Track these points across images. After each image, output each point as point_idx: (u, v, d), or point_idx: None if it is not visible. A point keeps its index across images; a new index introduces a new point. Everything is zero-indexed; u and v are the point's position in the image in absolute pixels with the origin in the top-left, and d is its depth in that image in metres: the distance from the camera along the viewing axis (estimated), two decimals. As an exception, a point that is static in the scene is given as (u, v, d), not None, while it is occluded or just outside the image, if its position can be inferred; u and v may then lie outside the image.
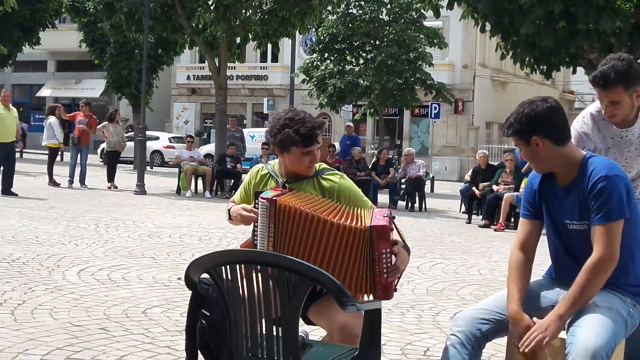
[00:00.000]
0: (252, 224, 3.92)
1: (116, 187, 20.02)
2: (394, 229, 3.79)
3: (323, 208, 3.75)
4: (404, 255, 3.78)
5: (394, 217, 3.82)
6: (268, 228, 3.72)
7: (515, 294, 3.74)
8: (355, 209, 3.86)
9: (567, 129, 3.81)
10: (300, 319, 3.91)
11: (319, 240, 3.68)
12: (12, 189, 16.40)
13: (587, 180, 3.68)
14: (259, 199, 3.78)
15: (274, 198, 3.74)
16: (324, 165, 4.20)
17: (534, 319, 3.70)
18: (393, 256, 3.72)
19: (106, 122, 21.06)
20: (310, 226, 3.68)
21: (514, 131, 3.79)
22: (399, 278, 3.81)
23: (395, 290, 3.80)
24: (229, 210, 4.11)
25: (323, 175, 4.08)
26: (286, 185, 4.02)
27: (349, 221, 3.68)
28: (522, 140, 3.78)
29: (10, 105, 17.14)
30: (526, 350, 3.55)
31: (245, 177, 4.29)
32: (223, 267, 3.25)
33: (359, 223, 3.66)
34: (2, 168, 16.66)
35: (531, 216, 3.94)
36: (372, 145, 37.77)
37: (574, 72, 21.51)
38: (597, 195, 3.63)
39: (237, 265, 3.24)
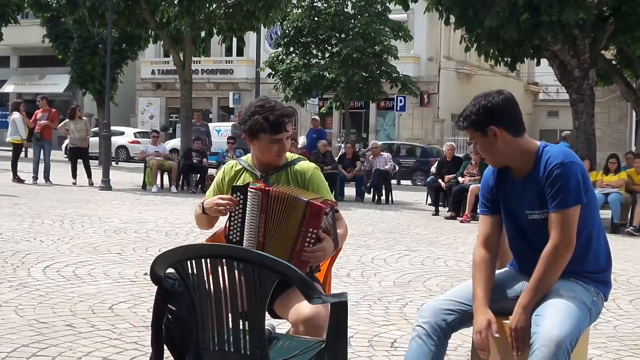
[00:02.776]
0: (227, 218, 3.91)
1: (74, 184, 19.84)
2: (331, 218, 3.80)
3: (300, 193, 3.81)
4: (328, 245, 3.80)
5: (337, 210, 3.85)
6: (259, 218, 3.74)
7: (480, 291, 3.77)
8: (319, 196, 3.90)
9: (522, 120, 3.84)
10: (267, 312, 3.92)
11: (287, 219, 3.76)
12: None
13: (543, 169, 3.71)
14: (249, 189, 3.79)
15: (267, 188, 3.76)
16: (298, 156, 4.22)
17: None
18: (318, 242, 3.74)
19: (67, 120, 20.89)
20: (290, 209, 3.74)
21: (471, 123, 3.80)
22: (315, 266, 3.84)
23: (313, 271, 3.84)
24: (202, 205, 4.07)
25: (297, 164, 4.10)
26: (265, 176, 4.03)
27: (299, 195, 3.76)
28: (479, 131, 3.79)
29: None
30: (520, 354, 3.58)
31: (218, 174, 4.28)
32: (189, 262, 3.24)
33: (303, 198, 3.73)
34: None
35: (490, 212, 3.97)
36: (338, 139, 37.81)
37: (538, 63, 21.62)
38: (553, 182, 3.66)
39: (203, 260, 3.23)
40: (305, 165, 4.11)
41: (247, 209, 3.78)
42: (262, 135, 3.95)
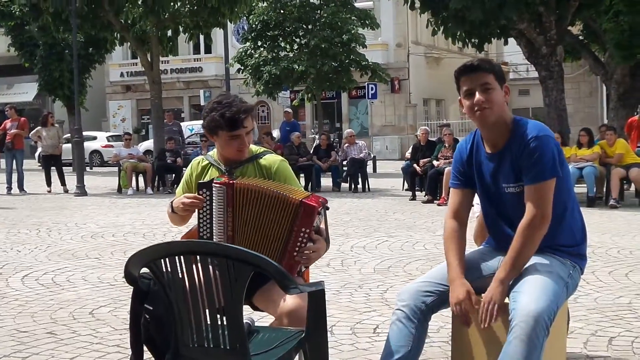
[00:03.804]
0: (197, 215, 3.89)
1: (49, 191, 19.73)
2: (323, 217, 3.79)
3: (269, 186, 3.78)
4: (321, 245, 3.79)
5: (327, 208, 3.82)
6: (226, 213, 3.73)
7: (454, 261, 3.79)
8: (295, 188, 3.89)
9: None
10: (248, 306, 3.92)
11: (263, 214, 3.72)
12: None
13: (519, 142, 3.72)
14: (213, 184, 3.77)
15: (230, 181, 3.75)
16: (265, 149, 4.20)
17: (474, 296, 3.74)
18: (310, 242, 3.72)
19: (39, 127, 20.75)
20: (260, 202, 3.71)
21: (496, 71, 3.78)
22: (305, 266, 3.82)
23: (299, 274, 3.81)
24: (171, 205, 4.06)
25: (263, 157, 4.08)
26: (232, 171, 4.01)
27: (285, 193, 3.72)
28: (498, 81, 3.77)
29: None
30: (486, 326, 3.59)
31: (186, 171, 4.26)
32: (162, 260, 3.22)
33: (293, 196, 3.69)
34: None
35: (461, 185, 3.99)
36: (312, 130, 37.80)
37: (506, 43, 21.75)
38: (529, 155, 3.67)
39: (177, 257, 3.21)
40: (272, 158, 4.09)
41: (214, 204, 3.76)
42: (220, 132, 3.93)
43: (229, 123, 3.89)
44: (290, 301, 3.67)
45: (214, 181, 3.79)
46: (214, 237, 3.77)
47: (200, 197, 3.81)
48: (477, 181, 3.93)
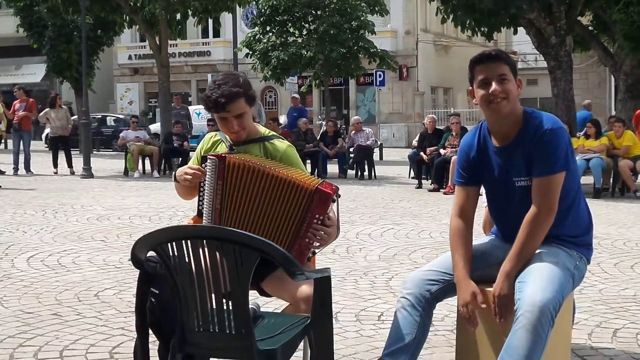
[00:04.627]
0: (198, 189, 3.88)
1: (55, 173, 19.76)
2: (336, 204, 3.78)
3: (272, 166, 3.75)
4: (332, 231, 3.78)
5: (339, 195, 3.81)
6: (216, 185, 3.72)
7: (460, 260, 3.78)
8: (304, 173, 3.87)
9: None
10: (255, 291, 3.92)
11: (265, 195, 3.69)
12: None
13: (532, 134, 3.70)
14: (208, 156, 3.78)
15: (222, 155, 3.75)
16: (274, 133, 4.19)
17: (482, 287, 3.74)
18: (322, 228, 3.71)
19: (47, 109, 20.77)
20: (259, 182, 3.69)
21: (510, 63, 3.76)
22: (313, 252, 3.81)
23: (308, 260, 3.81)
24: (174, 175, 4.06)
25: (270, 141, 4.07)
26: (233, 147, 4.00)
27: (298, 178, 3.69)
28: (513, 74, 3.75)
29: None
30: (502, 321, 3.59)
31: (199, 145, 4.26)
32: (169, 244, 3.22)
33: (308, 182, 3.67)
34: None
35: (467, 183, 3.94)
36: (319, 117, 37.75)
37: (515, 32, 21.64)
38: (541, 148, 3.65)
39: (183, 241, 3.21)
40: (279, 143, 4.06)
41: (207, 176, 3.76)
42: (212, 111, 3.96)
43: (212, 105, 3.90)
44: (306, 287, 3.66)
45: (209, 154, 3.80)
46: (204, 208, 3.77)
47: (203, 169, 3.82)
48: (486, 174, 3.90)
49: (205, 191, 3.77)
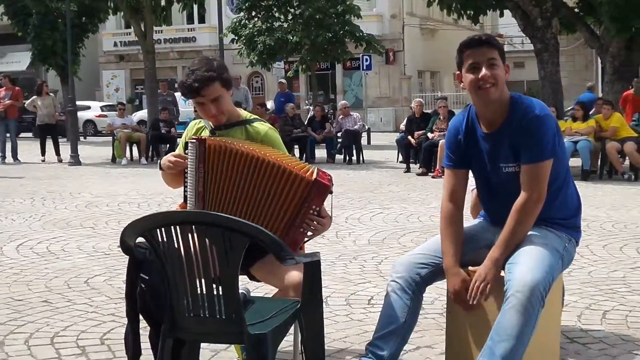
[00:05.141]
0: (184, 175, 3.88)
1: (43, 161, 19.69)
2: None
3: (259, 149, 3.72)
4: (327, 222, 3.79)
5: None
6: (197, 168, 3.71)
7: (450, 248, 3.78)
8: (293, 158, 3.86)
9: None
10: (245, 276, 3.92)
11: (254, 181, 3.66)
12: None
13: (518, 120, 3.69)
14: (189, 141, 3.78)
15: (202, 138, 3.76)
16: (256, 116, 4.18)
17: (470, 268, 3.76)
18: (317, 219, 3.71)
19: (34, 96, 20.68)
20: (244, 166, 3.66)
21: (499, 47, 3.74)
22: (305, 240, 3.81)
23: (301, 249, 3.80)
24: (159, 164, 4.06)
25: (252, 124, 4.06)
26: (215, 132, 4.00)
27: (292, 165, 3.67)
28: (502, 58, 3.74)
29: None
30: (474, 302, 3.60)
31: (184, 133, 4.26)
32: (158, 230, 3.21)
33: (306, 173, 3.64)
34: None
35: (455, 166, 3.93)
36: (306, 101, 37.69)
37: (501, 15, 21.65)
38: (529, 135, 3.64)
39: (172, 227, 3.21)
40: (260, 126, 4.05)
41: (189, 160, 3.76)
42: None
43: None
44: (296, 274, 3.66)
45: (189, 138, 3.80)
46: (188, 192, 3.77)
47: (185, 156, 3.81)
48: (473, 159, 3.89)
49: (188, 175, 3.76)
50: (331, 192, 3.71)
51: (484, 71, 3.66)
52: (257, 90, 43.40)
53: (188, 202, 3.77)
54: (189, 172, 3.76)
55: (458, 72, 3.82)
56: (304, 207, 3.64)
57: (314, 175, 3.64)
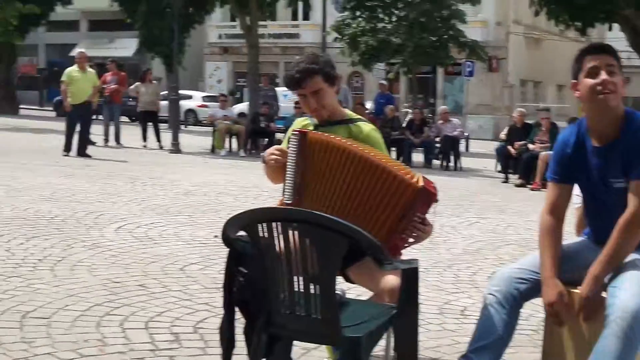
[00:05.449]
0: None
1: (144, 146, 20.09)
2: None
3: (363, 149, 3.67)
4: (429, 230, 3.75)
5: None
6: (297, 160, 3.71)
7: (548, 261, 3.69)
8: (397, 162, 3.83)
9: None
10: (340, 277, 3.91)
11: (354, 178, 3.62)
12: (86, 151, 16.51)
13: (633, 134, 3.58)
14: (292, 134, 3.80)
15: (304, 130, 3.78)
16: (360, 116, 4.17)
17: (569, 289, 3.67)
18: (421, 227, 3.66)
19: (138, 83, 21.13)
20: (345, 161, 3.62)
21: (619, 57, 3.66)
22: (405, 246, 3.77)
23: (400, 255, 3.76)
24: (263, 157, 4.08)
25: (356, 123, 4.05)
26: (319, 128, 4.01)
27: (397, 169, 3.62)
28: (620, 68, 3.66)
29: (88, 67, 17.20)
30: (589, 323, 3.53)
31: (290, 128, 4.28)
32: (259, 225, 3.23)
33: (412, 179, 3.60)
34: (79, 129, 16.71)
35: (561, 180, 3.83)
36: (405, 104, 37.55)
37: (610, 28, 21.23)
38: None
39: (274, 223, 3.22)
40: (363, 125, 4.05)
41: (290, 151, 3.76)
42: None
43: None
44: (393, 279, 3.63)
45: (294, 131, 3.83)
46: (285, 185, 3.76)
47: (287, 150, 3.83)
48: (582, 175, 3.80)
49: (288, 166, 3.77)
50: (436, 201, 3.67)
51: (604, 75, 3.57)
52: (356, 90, 43.44)
53: (285, 193, 3.77)
54: (288, 163, 3.77)
55: (574, 80, 3.72)
56: (408, 213, 3.61)
57: (421, 182, 3.61)
